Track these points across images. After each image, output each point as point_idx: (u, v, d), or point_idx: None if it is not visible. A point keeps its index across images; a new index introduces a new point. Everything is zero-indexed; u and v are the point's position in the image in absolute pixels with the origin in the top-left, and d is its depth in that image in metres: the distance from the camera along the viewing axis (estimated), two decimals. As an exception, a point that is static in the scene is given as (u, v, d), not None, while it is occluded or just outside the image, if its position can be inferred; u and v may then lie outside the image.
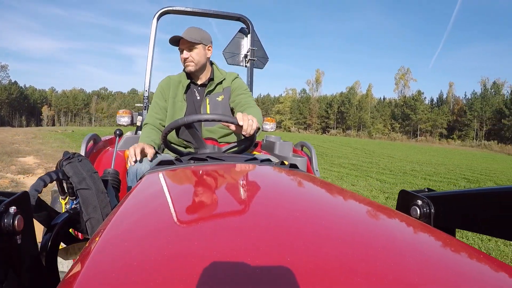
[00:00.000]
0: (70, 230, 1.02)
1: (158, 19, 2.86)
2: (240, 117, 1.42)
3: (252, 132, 1.45)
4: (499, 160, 25.94)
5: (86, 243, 0.69)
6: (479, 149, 49.37)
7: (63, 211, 1.03)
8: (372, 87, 77.35)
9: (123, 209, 0.68)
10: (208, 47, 2.00)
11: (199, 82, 2.06)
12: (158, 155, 1.75)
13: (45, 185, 0.90)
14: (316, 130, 76.06)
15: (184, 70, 2.08)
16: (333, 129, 73.85)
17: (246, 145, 1.56)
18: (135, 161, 1.58)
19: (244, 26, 3.10)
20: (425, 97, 71.34)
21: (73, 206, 1.04)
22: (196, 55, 1.93)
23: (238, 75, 2.13)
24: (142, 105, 2.92)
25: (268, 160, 1.26)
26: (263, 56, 3.14)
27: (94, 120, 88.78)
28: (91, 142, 2.14)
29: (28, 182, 5.62)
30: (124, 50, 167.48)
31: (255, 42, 3.05)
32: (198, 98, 2.05)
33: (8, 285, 0.63)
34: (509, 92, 60.65)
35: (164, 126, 2.02)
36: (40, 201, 0.90)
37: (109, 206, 1.01)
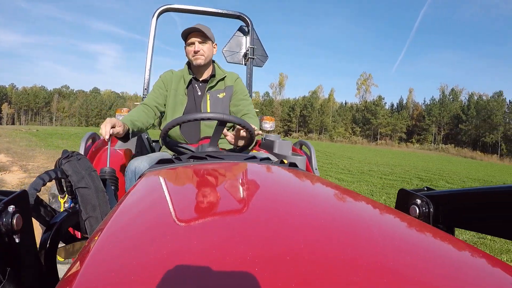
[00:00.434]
0: (69, 229, 1.02)
1: (158, 17, 2.85)
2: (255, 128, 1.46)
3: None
4: (454, 162, 28.21)
5: (85, 242, 0.69)
6: (436, 152, 53.17)
7: (62, 210, 1.03)
8: (334, 91, 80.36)
9: (122, 208, 0.68)
10: (214, 45, 2.06)
11: (201, 78, 2.08)
12: (130, 135, 1.71)
13: (44, 184, 0.90)
14: (278, 133, 76.61)
15: (187, 65, 2.10)
16: (295, 132, 75.49)
17: (246, 144, 1.56)
18: (109, 139, 1.50)
19: (243, 24, 3.10)
20: (386, 102, 74.68)
21: (72, 205, 1.04)
22: (207, 50, 1.98)
23: (238, 75, 2.16)
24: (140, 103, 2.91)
25: (268, 159, 1.25)
26: (262, 54, 3.14)
27: (55, 120, 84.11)
28: (90, 140, 2.14)
29: (7, 178, 5.69)
30: (87, 47, 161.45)
31: (255, 40, 3.05)
32: (199, 94, 2.06)
33: (7, 284, 0.63)
34: (467, 98, 66.32)
35: (161, 111, 2.02)
36: (39, 200, 0.90)
37: (108, 204, 1.01)
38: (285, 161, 1.24)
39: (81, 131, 20.31)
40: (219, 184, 0.90)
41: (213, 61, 2.13)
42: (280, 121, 78.39)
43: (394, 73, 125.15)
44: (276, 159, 1.52)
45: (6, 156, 8.37)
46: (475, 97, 65.04)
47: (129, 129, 1.69)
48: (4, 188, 4.96)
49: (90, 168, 1.04)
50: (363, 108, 71.75)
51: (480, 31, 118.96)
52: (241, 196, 0.75)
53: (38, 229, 0.92)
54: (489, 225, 0.92)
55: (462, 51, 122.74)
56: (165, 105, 2.05)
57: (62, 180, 1.04)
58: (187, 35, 1.97)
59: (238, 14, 2.99)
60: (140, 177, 1.05)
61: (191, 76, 2.06)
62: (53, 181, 1.01)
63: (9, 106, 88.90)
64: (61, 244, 0.96)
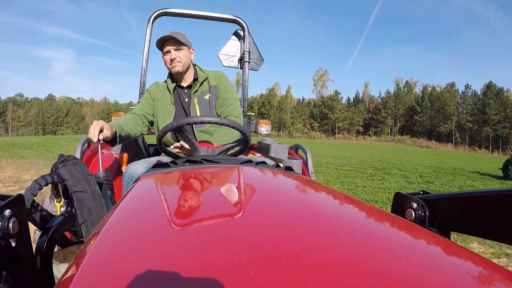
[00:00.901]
0: (65, 233, 1.02)
1: (153, 21, 2.86)
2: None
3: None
4: (409, 152, 30.10)
5: (81, 246, 0.69)
6: (393, 144, 55.32)
7: (58, 214, 1.03)
8: (292, 88, 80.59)
9: (118, 212, 0.68)
10: (191, 51, 2.06)
11: (184, 84, 2.08)
12: (118, 139, 1.71)
13: (41, 188, 0.90)
14: (239, 133, 77.93)
15: (169, 75, 2.11)
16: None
17: (242, 147, 1.57)
18: (98, 142, 1.52)
19: (239, 28, 3.11)
20: (342, 97, 75.08)
21: (68, 209, 1.04)
22: (184, 56, 1.98)
23: (223, 73, 2.15)
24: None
25: (264, 162, 1.26)
26: (258, 58, 3.15)
27: (11, 130, 78.51)
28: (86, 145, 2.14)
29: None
30: (40, 53, 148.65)
31: (250, 44, 3.06)
32: (186, 100, 2.07)
33: None
34: (421, 90, 67.61)
35: (149, 120, 2.03)
36: (35, 204, 0.90)
37: (104, 208, 1.01)
38: (281, 165, 1.24)
39: (41, 140, 19.75)
40: (214, 188, 0.91)
41: (194, 65, 2.13)
42: (240, 119, 78.77)
43: (350, 68, 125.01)
44: (272, 163, 1.52)
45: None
46: (429, 89, 66.90)
47: (116, 132, 1.70)
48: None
49: (86, 172, 1.04)
50: (320, 103, 72.17)
51: (433, 25, 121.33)
52: (236, 200, 0.75)
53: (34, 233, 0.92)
54: (485, 229, 0.92)
55: (416, 44, 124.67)
56: (153, 114, 2.06)
57: (59, 184, 1.04)
58: (162, 44, 1.97)
59: (233, 18, 3.00)
60: (136, 181, 1.05)
61: (174, 84, 2.07)
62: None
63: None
64: (57, 248, 0.96)
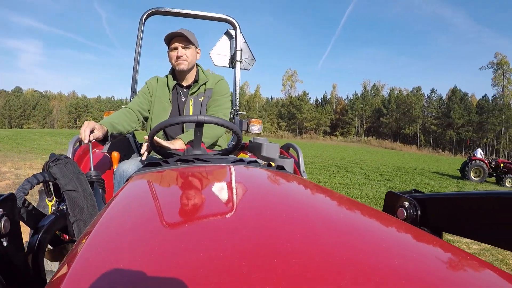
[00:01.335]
0: (57, 232, 1.02)
1: (145, 20, 2.84)
2: None
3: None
4: (373, 152, 31.40)
5: (72, 245, 0.69)
6: (359, 144, 56.92)
7: (50, 213, 1.03)
8: (260, 87, 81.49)
9: (110, 211, 0.68)
10: (198, 50, 2.05)
11: (184, 84, 2.08)
12: (109, 137, 1.72)
13: (32, 187, 0.90)
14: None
15: (171, 71, 2.10)
16: (223, 129, 76.65)
17: (233, 147, 1.58)
18: (89, 142, 1.52)
19: (230, 27, 3.11)
20: (310, 98, 77.24)
21: (59, 208, 1.04)
22: (190, 55, 1.97)
23: (223, 78, 2.15)
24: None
25: (255, 161, 1.27)
26: (249, 57, 3.15)
27: None
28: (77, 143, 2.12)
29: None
30: (6, 43, 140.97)
31: (242, 43, 3.06)
32: (183, 99, 2.07)
33: None
34: (388, 93, 70.51)
35: (144, 116, 2.03)
36: (26, 203, 0.90)
37: (96, 207, 1.01)
38: (273, 164, 1.25)
39: (11, 133, 19.43)
40: (205, 187, 0.91)
41: (197, 65, 2.13)
42: (208, 118, 79.37)
43: (319, 69, 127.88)
44: (264, 162, 1.53)
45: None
46: (396, 92, 69.36)
47: (107, 131, 1.69)
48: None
49: (77, 171, 1.04)
50: (288, 103, 73.24)
51: (402, 30, 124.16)
52: (227, 199, 0.76)
53: (26, 232, 0.92)
54: (476, 231, 0.92)
55: (384, 48, 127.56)
56: (149, 110, 2.05)
57: (50, 183, 1.04)
58: (170, 39, 1.96)
59: (225, 17, 3.00)
60: (127, 180, 1.05)
61: (175, 82, 2.07)
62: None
63: None
64: (48, 247, 0.96)
